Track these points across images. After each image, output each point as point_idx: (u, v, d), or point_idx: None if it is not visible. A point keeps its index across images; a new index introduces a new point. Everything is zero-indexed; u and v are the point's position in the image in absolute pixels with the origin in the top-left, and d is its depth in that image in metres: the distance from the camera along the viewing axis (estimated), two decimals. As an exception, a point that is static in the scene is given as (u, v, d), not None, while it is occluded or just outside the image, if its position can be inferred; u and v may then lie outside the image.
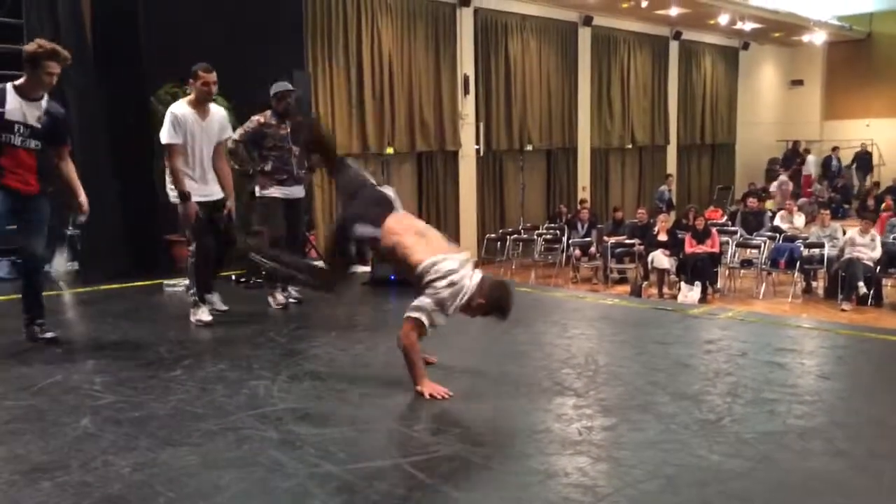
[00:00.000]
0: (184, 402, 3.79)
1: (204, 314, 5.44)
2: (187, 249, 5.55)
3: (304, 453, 3.15)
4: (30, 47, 4.64)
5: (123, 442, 3.29)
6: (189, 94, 5.41)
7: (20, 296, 4.98)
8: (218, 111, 5.51)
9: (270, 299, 5.97)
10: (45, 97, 4.77)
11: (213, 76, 5.30)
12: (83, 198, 4.92)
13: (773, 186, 18.08)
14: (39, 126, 4.71)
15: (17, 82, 4.69)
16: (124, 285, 6.85)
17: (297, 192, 6.08)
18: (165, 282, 6.86)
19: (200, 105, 5.33)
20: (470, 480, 2.97)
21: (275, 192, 5.95)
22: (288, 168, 5.97)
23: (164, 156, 5.36)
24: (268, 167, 5.95)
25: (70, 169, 4.94)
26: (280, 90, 5.98)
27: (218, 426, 3.47)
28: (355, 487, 2.87)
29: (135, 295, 6.64)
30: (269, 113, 5.99)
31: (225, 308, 5.72)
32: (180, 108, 5.31)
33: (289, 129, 5.98)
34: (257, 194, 6.07)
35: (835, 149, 20.48)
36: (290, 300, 6.10)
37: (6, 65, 7.39)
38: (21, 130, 4.65)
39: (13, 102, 4.62)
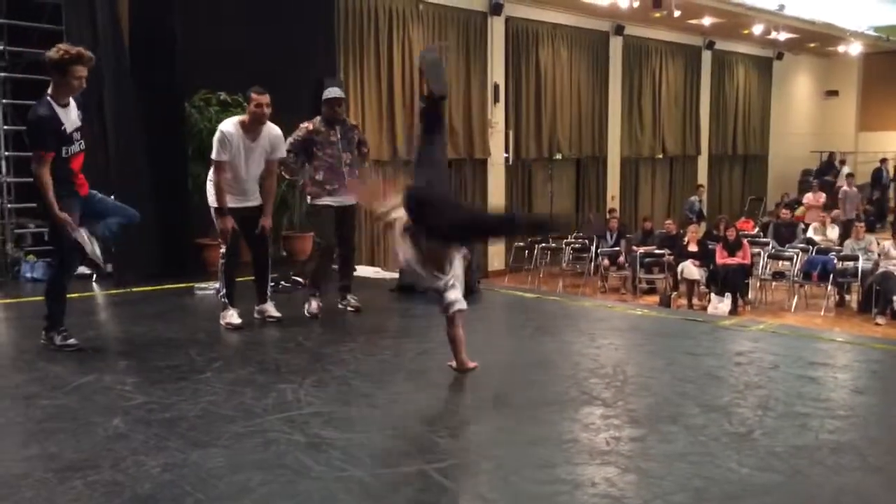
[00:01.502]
0: (213, 404, 3.83)
1: (233, 317, 5.47)
2: (219, 252, 5.60)
3: (330, 457, 3.17)
4: (54, 54, 4.56)
5: (154, 442, 3.33)
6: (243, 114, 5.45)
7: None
8: (271, 130, 5.47)
9: (306, 306, 5.97)
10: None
11: (266, 98, 5.30)
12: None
13: (808, 198, 17.67)
14: (81, 123, 4.82)
15: (51, 93, 4.64)
16: (156, 287, 6.94)
17: (350, 200, 5.91)
18: (196, 285, 6.93)
19: (253, 126, 5.35)
20: (496, 489, 2.96)
21: (326, 200, 5.87)
22: (339, 177, 5.83)
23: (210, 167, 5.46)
24: (318, 176, 5.84)
25: None
26: (332, 97, 5.85)
27: (246, 428, 3.49)
28: (381, 492, 2.88)
29: (166, 297, 6.72)
30: (318, 119, 5.87)
31: (278, 315, 5.69)
32: (229, 126, 5.36)
33: (339, 136, 5.87)
34: (308, 202, 6.03)
35: (883, 160, 19.69)
36: (349, 308, 6.09)
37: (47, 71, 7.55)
38: (76, 137, 4.74)
39: (63, 115, 4.64)
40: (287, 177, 6.02)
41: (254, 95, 5.29)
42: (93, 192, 4.92)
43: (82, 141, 4.80)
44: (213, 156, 5.34)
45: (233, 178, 5.36)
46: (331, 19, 10.05)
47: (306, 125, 5.86)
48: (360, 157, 6.16)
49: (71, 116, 4.71)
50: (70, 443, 3.33)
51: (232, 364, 4.60)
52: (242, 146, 5.34)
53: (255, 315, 5.71)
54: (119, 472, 3.02)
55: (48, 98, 4.63)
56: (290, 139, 5.83)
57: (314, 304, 5.94)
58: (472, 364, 4.23)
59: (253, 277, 5.74)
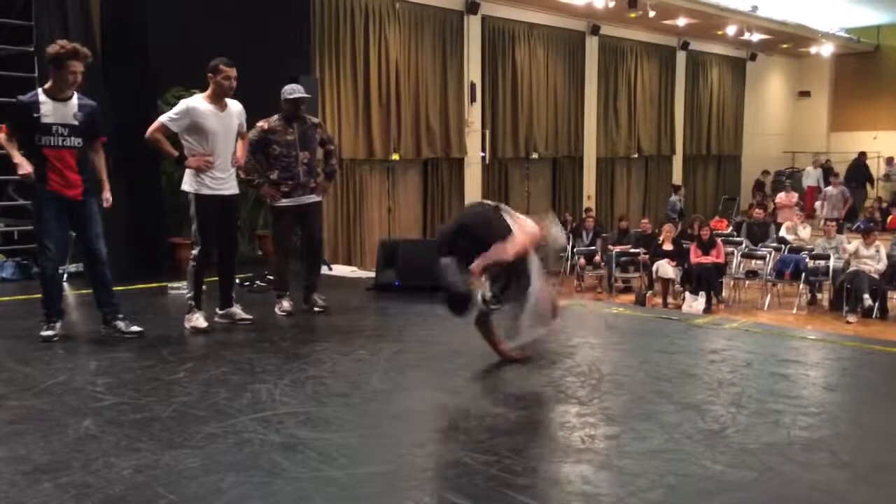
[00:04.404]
0: (186, 405, 3.79)
1: (199, 321, 5.34)
2: (190, 253, 5.50)
3: (305, 457, 3.15)
4: (52, 49, 4.76)
5: (125, 443, 3.29)
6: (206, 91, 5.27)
7: (91, 291, 5.22)
8: (234, 103, 5.35)
9: (277, 308, 5.92)
10: (75, 94, 4.91)
11: (234, 71, 5.19)
12: (107, 193, 5.12)
13: (781, 197, 17.80)
14: (77, 123, 4.88)
15: (46, 86, 4.85)
16: (128, 287, 6.85)
17: (308, 199, 5.87)
18: (169, 284, 6.86)
19: (218, 99, 5.22)
20: (472, 487, 2.96)
21: (283, 202, 5.80)
22: (294, 177, 5.75)
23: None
24: (273, 175, 5.77)
25: (101, 161, 5.11)
26: (295, 96, 5.75)
27: (220, 429, 3.46)
28: (356, 492, 2.87)
29: (139, 296, 6.64)
30: (274, 118, 5.77)
31: (250, 318, 5.57)
32: (196, 101, 5.21)
33: (296, 134, 5.78)
34: (269, 203, 5.97)
35: (862, 153, 19.51)
36: (315, 309, 5.98)
37: (18, 66, 7.45)
38: (60, 131, 4.82)
39: (46, 105, 4.79)
40: (242, 176, 5.83)
41: (223, 67, 5.14)
42: (87, 204, 4.98)
43: (72, 139, 4.87)
44: (164, 117, 5.19)
45: (210, 157, 5.20)
46: (306, 17, 10.00)
47: (261, 124, 5.75)
48: (325, 155, 6.05)
49: (63, 111, 4.83)
50: (39, 444, 3.28)
51: (205, 364, 4.55)
52: (214, 121, 5.18)
53: (218, 319, 5.54)
54: (90, 473, 2.98)
55: (39, 88, 4.88)
56: None
57: (285, 304, 5.92)
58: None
59: (217, 278, 5.55)
